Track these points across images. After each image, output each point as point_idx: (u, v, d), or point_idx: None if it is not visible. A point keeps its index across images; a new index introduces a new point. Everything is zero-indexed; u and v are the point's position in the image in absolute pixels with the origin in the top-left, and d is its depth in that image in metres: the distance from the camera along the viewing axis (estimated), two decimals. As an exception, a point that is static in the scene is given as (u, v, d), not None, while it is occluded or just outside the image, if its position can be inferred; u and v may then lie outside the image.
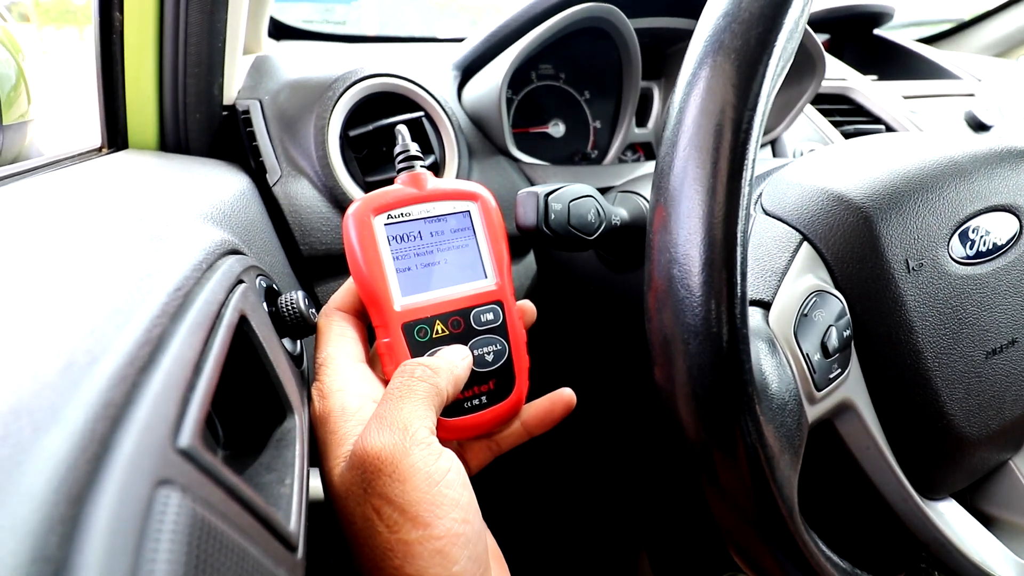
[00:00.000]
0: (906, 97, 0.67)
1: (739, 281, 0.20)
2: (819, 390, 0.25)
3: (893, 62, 0.88)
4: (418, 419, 0.22)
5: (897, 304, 0.27)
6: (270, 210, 0.39)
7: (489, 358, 0.28)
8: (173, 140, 0.42)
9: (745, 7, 0.20)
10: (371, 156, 0.43)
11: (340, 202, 0.41)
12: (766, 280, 0.26)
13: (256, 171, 0.40)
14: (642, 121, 0.57)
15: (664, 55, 0.56)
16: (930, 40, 1.18)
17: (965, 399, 0.29)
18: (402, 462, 0.21)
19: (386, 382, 0.26)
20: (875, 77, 0.77)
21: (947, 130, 0.58)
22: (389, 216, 0.28)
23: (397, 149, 0.29)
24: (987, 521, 0.34)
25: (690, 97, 0.21)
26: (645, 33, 0.51)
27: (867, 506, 0.30)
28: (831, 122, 0.61)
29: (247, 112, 0.42)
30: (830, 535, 0.28)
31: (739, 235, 0.20)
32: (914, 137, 0.33)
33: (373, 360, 0.28)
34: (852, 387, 0.26)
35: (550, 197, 0.31)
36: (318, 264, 0.40)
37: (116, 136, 0.41)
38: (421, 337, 0.27)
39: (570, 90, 0.54)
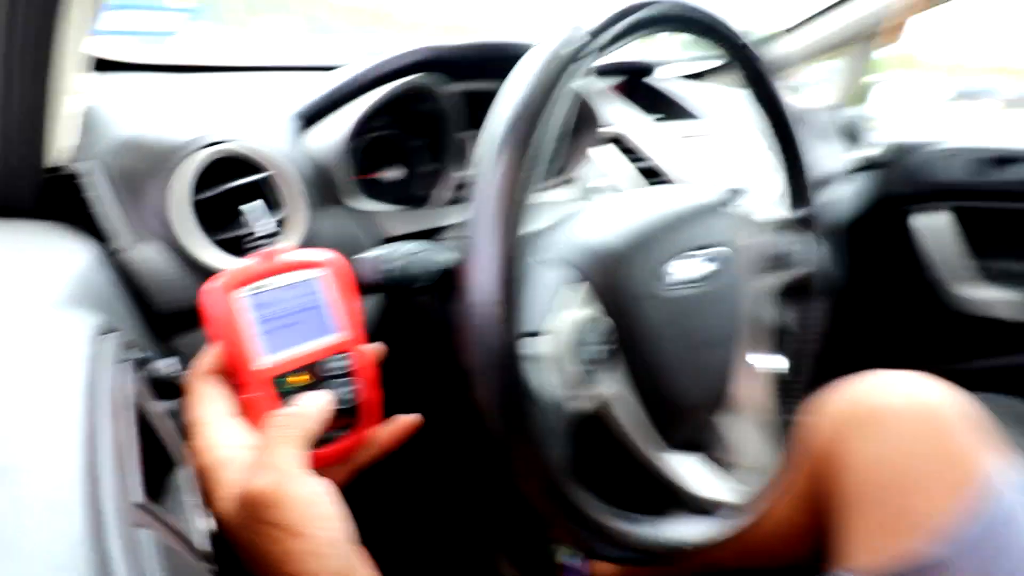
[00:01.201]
0: (686, 136, 0.84)
1: (516, 318, 0.30)
2: (581, 392, 0.36)
3: (672, 104, 1.06)
4: (290, 459, 0.29)
5: (641, 321, 0.40)
6: (120, 273, 0.42)
7: (342, 398, 0.35)
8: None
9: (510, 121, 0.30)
10: (219, 213, 0.47)
11: (193, 263, 0.44)
12: (544, 316, 0.37)
13: (101, 235, 0.42)
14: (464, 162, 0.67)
15: (481, 110, 0.66)
16: (701, 75, 1.40)
17: (685, 380, 0.42)
18: (282, 495, 0.28)
19: (254, 430, 0.32)
20: (662, 116, 0.94)
21: (673, 187, 0.72)
22: (247, 288, 0.33)
23: (244, 231, 0.35)
24: (722, 463, 0.48)
25: (481, 181, 0.30)
26: (463, 94, 0.61)
27: (634, 466, 0.42)
28: (630, 159, 0.76)
29: (84, 175, 0.44)
30: (609, 492, 0.40)
31: (513, 283, 0.30)
32: (647, 193, 0.46)
33: (241, 411, 0.33)
34: (610, 386, 0.38)
35: (380, 261, 0.39)
36: (175, 319, 0.44)
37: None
38: (282, 388, 0.33)
39: (405, 138, 0.62)
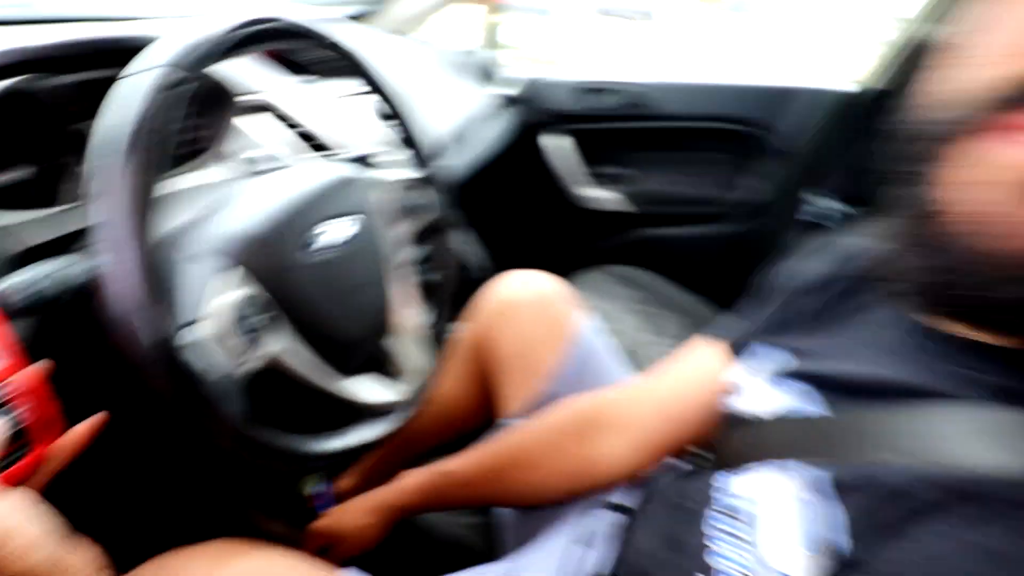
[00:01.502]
0: (344, 96, 0.91)
1: (167, 316, 0.37)
2: (249, 353, 0.45)
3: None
4: None
5: (296, 287, 0.49)
6: None
7: (12, 423, 0.37)
8: None
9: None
10: None
11: None
12: (197, 305, 0.44)
13: None
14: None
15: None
16: (359, 17, 1.46)
17: (345, 321, 0.54)
18: None
19: None
20: (315, 77, 0.98)
21: (312, 163, 0.78)
22: None
23: None
24: (392, 375, 0.63)
25: (109, 190, 0.36)
26: (68, 88, 0.59)
27: (318, 399, 0.54)
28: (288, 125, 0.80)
29: None
30: (302, 424, 0.51)
31: (155, 285, 0.36)
32: (282, 177, 0.55)
33: None
34: (278, 344, 0.48)
35: (13, 291, 0.41)
36: None
37: None
38: None
39: (19, 135, 0.57)
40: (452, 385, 0.86)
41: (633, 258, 1.43)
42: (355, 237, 0.56)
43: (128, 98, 0.38)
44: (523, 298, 0.82)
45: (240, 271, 0.46)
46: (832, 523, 0.35)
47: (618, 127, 1.47)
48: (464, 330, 0.87)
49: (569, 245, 1.58)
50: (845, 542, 0.33)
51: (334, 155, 0.83)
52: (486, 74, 1.40)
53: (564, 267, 1.38)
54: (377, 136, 0.92)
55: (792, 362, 0.47)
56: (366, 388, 0.57)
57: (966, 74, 0.29)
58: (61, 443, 0.40)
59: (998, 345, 0.32)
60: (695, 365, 0.62)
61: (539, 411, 0.71)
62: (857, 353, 0.42)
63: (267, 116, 0.80)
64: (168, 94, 0.39)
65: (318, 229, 0.52)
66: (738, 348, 0.57)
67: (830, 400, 0.41)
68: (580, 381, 0.77)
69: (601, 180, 1.53)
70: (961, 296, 0.30)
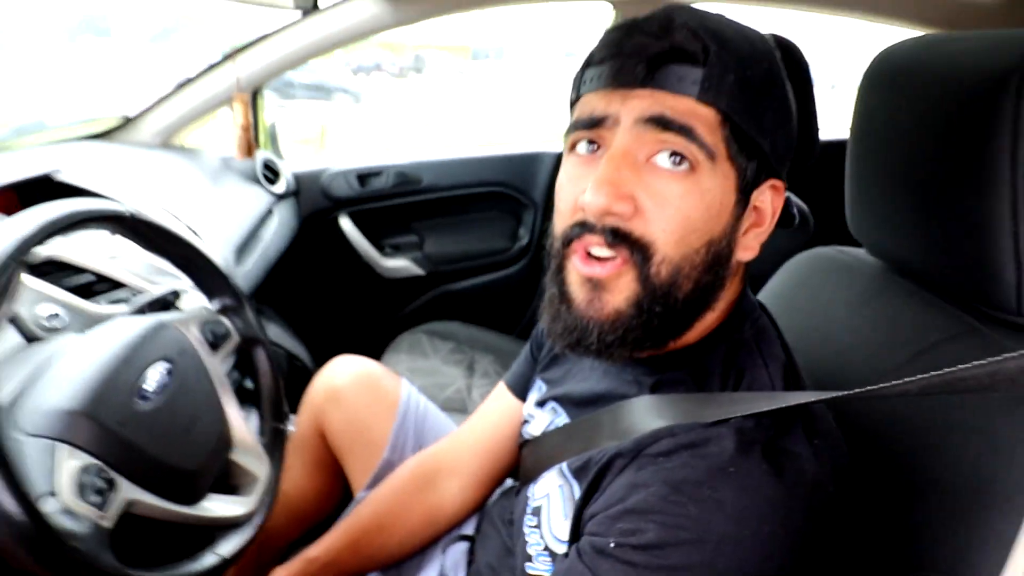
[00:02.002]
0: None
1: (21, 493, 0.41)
2: (104, 510, 0.49)
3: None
4: None
5: (129, 441, 0.54)
6: None
7: None
8: None
9: None
10: None
11: None
12: (48, 476, 0.47)
13: None
14: None
15: None
16: (102, 135, 1.42)
17: (186, 454, 0.60)
18: None
19: None
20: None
21: (116, 321, 0.76)
22: None
23: None
24: (239, 488, 0.68)
25: None
26: None
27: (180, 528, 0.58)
28: (55, 281, 0.80)
29: None
30: (165, 555, 0.55)
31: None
32: (96, 339, 0.59)
33: None
34: (126, 494, 0.52)
35: None
36: None
37: None
38: None
39: None
40: (300, 475, 0.92)
41: (441, 313, 1.60)
42: (176, 377, 0.62)
43: None
44: (348, 382, 0.92)
45: (66, 447, 0.50)
46: (573, 495, 0.53)
47: (397, 203, 1.64)
48: (299, 423, 0.93)
49: (382, 314, 1.70)
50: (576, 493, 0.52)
51: (136, 298, 0.86)
52: (269, 174, 1.47)
53: (382, 336, 1.50)
54: (171, 269, 0.95)
55: (545, 389, 0.65)
56: (219, 506, 0.63)
57: (558, 218, 0.49)
58: None
59: (645, 357, 0.52)
60: (498, 407, 0.78)
61: (383, 478, 0.82)
62: (581, 376, 0.61)
63: (49, 269, 0.80)
64: None
65: (139, 382, 0.58)
66: (522, 387, 0.74)
67: (569, 412, 0.60)
68: (414, 442, 0.89)
69: (395, 251, 1.68)
70: (584, 342, 0.48)
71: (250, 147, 1.30)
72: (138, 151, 1.35)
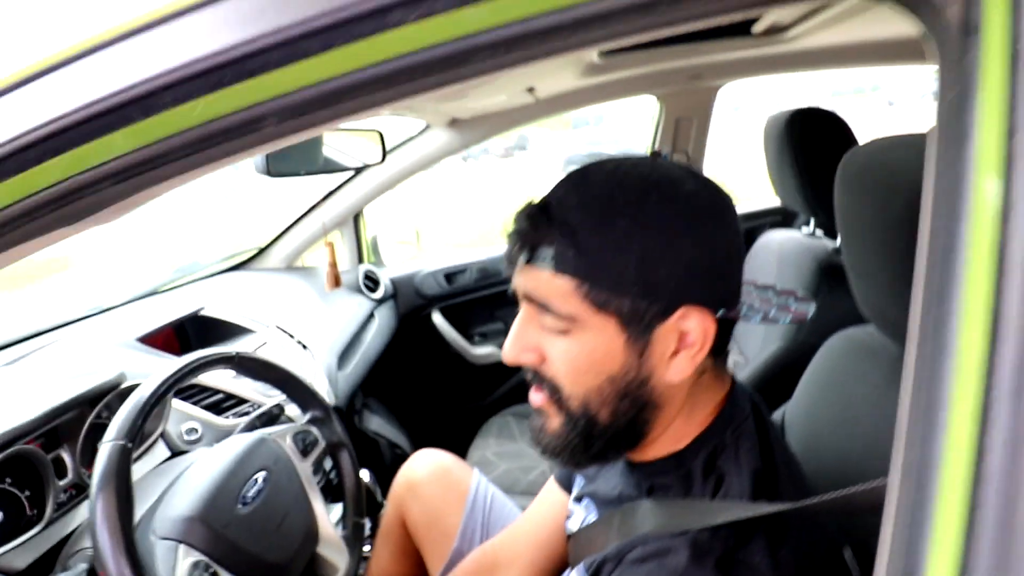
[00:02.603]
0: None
1: None
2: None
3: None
4: None
5: (231, 539, 0.68)
6: None
7: None
8: None
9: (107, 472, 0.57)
10: None
11: None
12: (170, 571, 0.62)
13: None
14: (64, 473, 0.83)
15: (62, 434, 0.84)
16: (242, 265, 1.74)
17: (281, 548, 0.73)
18: None
19: None
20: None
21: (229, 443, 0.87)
22: None
23: None
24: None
25: (97, 515, 0.56)
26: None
27: None
28: (192, 401, 1.02)
29: None
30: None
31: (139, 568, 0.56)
32: (210, 457, 0.76)
33: None
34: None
35: None
36: None
37: None
38: None
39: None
40: (386, 562, 1.03)
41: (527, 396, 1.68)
42: (271, 483, 0.77)
43: (101, 459, 0.60)
44: (425, 475, 1.03)
45: (183, 547, 0.65)
46: None
47: (482, 295, 1.79)
48: (386, 513, 1.05)
49: (474, 399, 1.83)
50: None
51: (248, 410, 1.05)
52: (372, 282, 1.70)
53: (474, 419, 1.61)
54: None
55: (582, 484, 0.71)
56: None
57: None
58: None
59: (643, 462, 0.57)
60: (548, 499, 0.84)
61: (453, 567, 0.90)
62: (607, 474, 0.66)
63: (177, 400, 1.02)
64: (122, 454, 0.60)
65: (241, 490, 0.73)
66: (568, 481, 0.80)
67: (598, 509, 0.65)
68: (483, 531, 0.96)
69: (483, 339, 1.82)
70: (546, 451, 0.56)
71: (337, 280, 1.55)
72: (266, 275, 1.63)
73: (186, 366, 0.73)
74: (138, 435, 0.63)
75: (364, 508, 0.90)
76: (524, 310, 0.53)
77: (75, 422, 0.80)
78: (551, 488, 0.85)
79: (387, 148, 1.31)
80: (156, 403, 0.66)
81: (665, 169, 0.51)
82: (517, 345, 0.53)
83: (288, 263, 1.76)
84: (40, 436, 0.76)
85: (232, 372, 1.11)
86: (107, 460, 0.59)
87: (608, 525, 0.60)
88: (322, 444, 0.89)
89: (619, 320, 0.49)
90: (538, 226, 0.50)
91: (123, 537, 0.55)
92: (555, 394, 0.52)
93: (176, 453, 0.92)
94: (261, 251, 1.77)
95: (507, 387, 1.81)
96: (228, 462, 0.74)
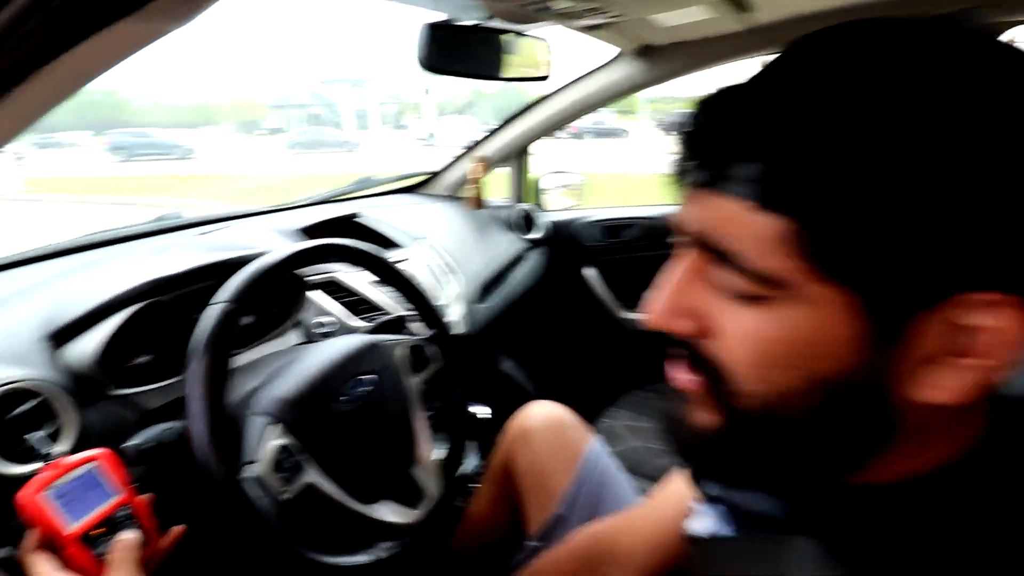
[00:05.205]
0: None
1: (231, 456, 0.54)
2: (287, 486, 0.61)
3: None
4: (134, 572, 0.50)
5: (324, 433, 0.66)
6: None
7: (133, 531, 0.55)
8: None
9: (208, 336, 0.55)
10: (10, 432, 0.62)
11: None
12: (256, 449, 0.61)
13: None
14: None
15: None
16: (412, 188, 1.77)
17: (372, 456, 0.69)
18: None
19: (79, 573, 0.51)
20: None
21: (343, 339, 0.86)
22: (48, 488, 0.52)
23: (36, 452, 0.53)
24: (416, 500, 0.76)
25: (192, 377, 0.55)
26: (187, 294, 0.83)
27: (341, 518, 0.67)
28: (334, 297, 1.03)
29: None
30: (330, 541, 0.65)
31: (223, 435, 0.54)
32: (322, 347, 0.73)
33: (65, 565, 0.51)
34: (309, 478, 0.63)
35: (141, 445, 0.60)
36: None
37: None
38: (90, 540, 0.52)
39: (150, 331, 0.81)
40: (485, 504, 0.97)
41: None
42: (376, 390, 0.73)
43: (205, 320, 0.59)
44: (538, 426, 0.94)
45: (277, 426, 0.63)
46: None
47: (645, 255, 1.62)
48: (495, 456, 0.99)
49: (614, 367, 1.69)
50: None
51: (379, 316, 1.04)
52: (527, 223, 1.63)
53: (610, 388, 1.48)
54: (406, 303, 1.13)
55: (716, 488, 0.55)
56: (388, 512, 0.71)
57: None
58: (159, 546, 0.57)
59: (827, 488, 0.37)
60: (677, 494, 0.69)
61: (552, 533, 0.80)
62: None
63: (320, 293, 1.03)
64: (224, 320, 0.59)
65: (347, 386, 0.69)
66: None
67: (736, 524, 0.49)
68: (589, 504, 0.85)
69: (637, 304, 1.66)
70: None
71: (479, 202, 1.47)
72: (428, 200, 1.64)
73: (314, 247, 0.70)
74: (248, 302, 0.61)
75: (466, 441, 0.84)
76: (688, 258, 0.35)
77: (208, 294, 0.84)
78: (679, 480, 0.70)
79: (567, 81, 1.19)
80: (273, 274, 0.63)
81: (981, 44, 0.29)
82: (670, 305, 0.35)
83: (452, 192, 1.76)
84: (184, 297, 0.81)
85: (371, 278, 1.12)
86: (209, 320, 0.58)
87: (745, 551, 0.44)
88: (436, 365, 0.83)
89: (858, 296, 0.29)
90: (734, 127, 0.31)
91: (208, 401, 0.54)
92: (718, 383, 0.35)
93: (307, 342, 0.93)
94: (430, 178, 1.78)
95: (654, 362, 1.64)
96: (336, 356, 0.72)
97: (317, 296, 1.01)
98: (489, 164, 1.55)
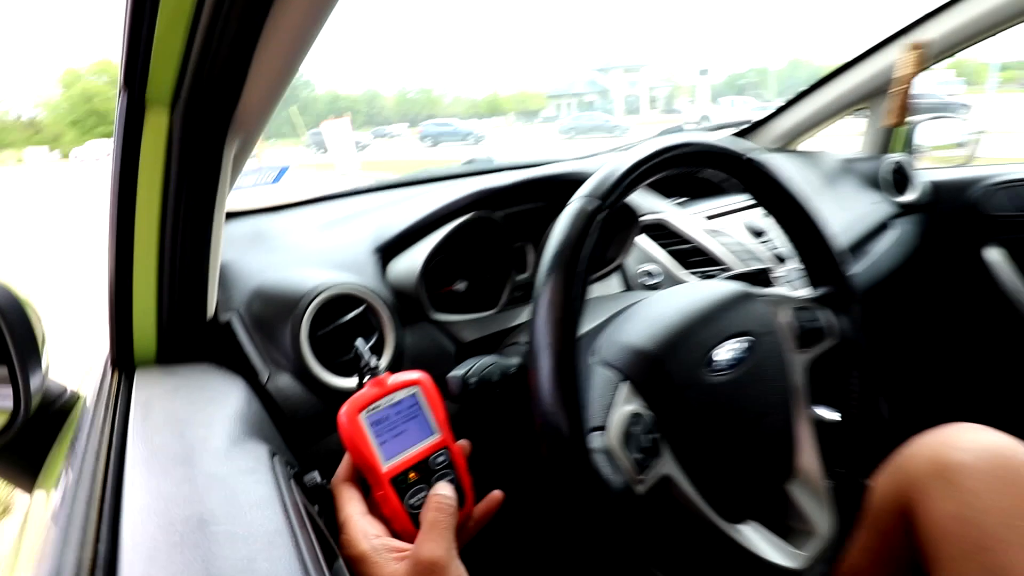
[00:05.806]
0: (709, 217, 0.92)
1: (579, 416, 0.37)
2: (640, 474, 0.42)
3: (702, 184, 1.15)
4: (450, 541, 0.37)
5: (683, 410, 0.45)
6: (264, 400, 0.52)
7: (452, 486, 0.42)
8: (170, 353, 0.53)
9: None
10: (332, 340, 0.57)
11: (316, 387, 0.54)
12: (603, 411, 0.44)
13: (246, 372, 0.53)
14: (523, 268, 0.76)
15: (530, 224, 0.77)
16: (739, 134, 1.48)
17: (739, 454, 0.47)
18: (447, 565, 0.36)
19: (383, 522, 0.40)
20: (685, 199, 1.02)
21: (706, 281, 0.71)
22: (367, 411, 0.42)
23: (361, 362, 0.44)
24: (788, 531, 0.52)
25: (540, 299, 0.39)
26: (514, 216, 0.71)
27: (697, 533, 0.47)
28: (660, 244, 0.84)
29: (228, 323, 0.55)
30: (676, 559, 0.45)
31: (572, 386, 0.37)
32: (682, 291, 0.53)
33: (372, 507, 0.41)
34: (665, 467, 0.44)
35: (468, 376, 0.48)
36: (307, 432, 0.53)
37: (124, 355, 0.52)
38: (401, 484, 0.41)
39: (470, 254, 0.72)
40: (861, 562, 0.67)
41: None
42: (753, 356, 0.50)
43: (560, 223, 0.43)
44: (971, 460, 0.60)
45: (627, 385, 0.45)
46: None
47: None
48: (877, 490, 0.68)
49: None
50: None
51: (726, 271, 0.81)
52: (898, 181, 1.21)
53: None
54: (759, 252, 0.86)
55: None
56: (759, 540, 0.48)
57: None
58: (476, 512, 0.44)
59: None
60: None
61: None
62: None
63: (646, 237, 0.84)
64: (586, 221, 0.42)
65: (713, 349, 0.48)
66: None
67: None
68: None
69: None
70: None
71: (903, 111, 1.07)
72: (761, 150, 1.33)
73: (700, 144, 0.50)
74: (615, 204, 0.43)
75: (868, 468, 0.56)
76: None
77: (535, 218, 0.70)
78: None
79: None
80: (641, 171, 0.45)
81: None
82: None
83: (781, 144, 1.42)
84: (514, 218, 0.70)
85: (705, 224, 0.89)
86: (566, 222, 0.41)
87: None
88: (830, 340, 0.57)
89: None
90: None
91: (559, 334, 0.38)
92: None
93: (628, 289, 0.75)
94: (750, 128, 1.47)
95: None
96: (703, 302, 0.51)
97: (641, 240, 0.83)
98: (928, 57, 1.12)
